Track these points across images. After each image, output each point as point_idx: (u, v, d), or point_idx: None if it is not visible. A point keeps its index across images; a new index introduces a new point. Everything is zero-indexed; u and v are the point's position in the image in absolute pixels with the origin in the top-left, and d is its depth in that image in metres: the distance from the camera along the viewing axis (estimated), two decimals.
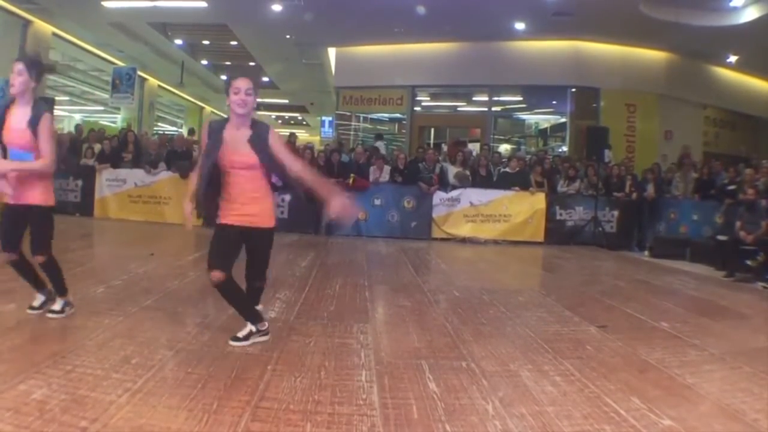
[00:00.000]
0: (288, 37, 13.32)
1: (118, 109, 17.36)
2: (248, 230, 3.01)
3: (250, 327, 3.09)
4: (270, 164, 2.98)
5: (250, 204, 3.00)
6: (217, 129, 3.03)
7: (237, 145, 2.96)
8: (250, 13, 11.57)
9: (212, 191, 3.02)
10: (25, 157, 3.20)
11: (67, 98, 19.15)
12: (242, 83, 2.94)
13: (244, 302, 3.12)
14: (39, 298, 3.40)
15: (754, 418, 2.43)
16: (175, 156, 9.42)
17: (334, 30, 12.59)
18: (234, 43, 14.56)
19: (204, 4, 11.33)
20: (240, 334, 3.07)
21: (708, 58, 12.81)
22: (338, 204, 2.89)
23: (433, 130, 14.86)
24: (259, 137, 2.97)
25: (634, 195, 9.72)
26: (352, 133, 14.65)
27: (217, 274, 2.88)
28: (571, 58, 12.50)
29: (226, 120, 3.06)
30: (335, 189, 3.07)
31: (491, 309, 4.37)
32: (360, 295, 4.67)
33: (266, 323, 3.18)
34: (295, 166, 3.02)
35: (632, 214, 9.74)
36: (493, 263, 7.50)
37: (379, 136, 13.13)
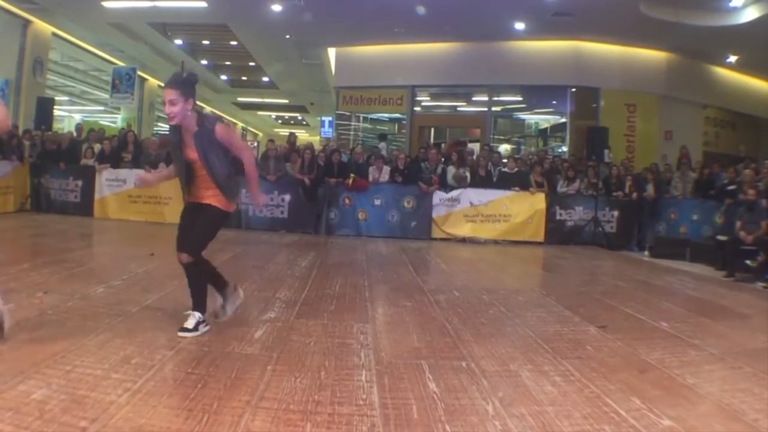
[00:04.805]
0: (288, 37, 13.32)
1: (118, 109, 17.36)
2: (196, 204, 3.29)
3: (198, 316, 3.22)
4: (212, 160, 3.17)
5: (203, 189, 3.27)
6: (175, 131, 3.24)
7: (191, 145, 3.19)
8: (250, 13, 11.57)
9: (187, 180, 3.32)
10: None
11: (67, 98, 19.15)
12: (165, 93, 3.10)
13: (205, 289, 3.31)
14: None
15: (754, 418, 2.43)
16: None
17: (334, 30, 12.59)
18: (234, 43, 14.57)
19: (204, 4, 11.32)
20: (188, 325, 3.18)
21: (708, 58, 12.82)
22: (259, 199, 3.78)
23: (433, 130, 14.86)
24: (204, 139, 3.16)
25: (634, 195, 9.72)
26: (352, 133, 14.65)
27: (182, 257, 3.23)
28: (571, 58, 12.50)
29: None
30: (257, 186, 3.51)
31: (491, 309, 4.37)
32: (360, 295, 4.66)
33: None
34: (242, 156, 3.34)
35: (632, 214, 9.74)
36: (493, 263, 7.50)
37: (382, 137, 13.12)
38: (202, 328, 3.21)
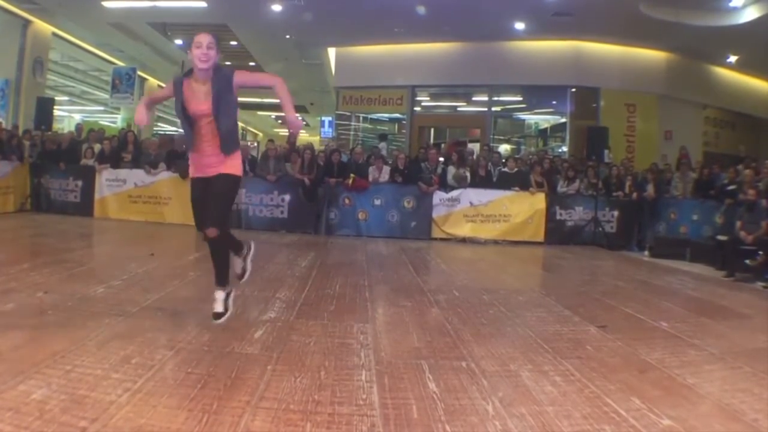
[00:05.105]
0: (288, 37, 13.32)
1: (118, 109, 17.37)
2: (210, 179, 3.21)
3: (222, 295, 3.28)
4: (222, 109, 3.12)
5: (210, 156, 3.18)
6: (178, 84, 3.17)
7: (200, 96, 3.12)
8: (250, 13, 11.57)
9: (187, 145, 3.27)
10: None
11: (67, 98, 19.15)
12: (203, 38, 3.10)
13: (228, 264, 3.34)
14: None
15: (754, 418, 2.43)
16: (176, 156, 9.43)
17: (334, 30, 12.60)
18: (234, 43, 14.57)
19: (204, 4, 11.33)
20: (219, 308, 3.25)
21: (708, 58, 12.82)
22: (294, 123, 3.24)
23: (433, 130, 14.86)
24: (220, 85, 3.12)
25: (634, 195, 9.72)
26: (352, 133, 14.65)
27: (209, 232, 3.16)
28: (571, 58, 12.50)
29: (188, 74, 3.20)
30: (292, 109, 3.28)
31: (491, 309, 4.37)
32: (360, 295, 4.66)
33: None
34: (270, 81, 3.35)
35: (632, 214, 9.73)
36: (493, 263, 7.49)
37: (382, 137, 13.11)
38: (231, 305, 3.30)
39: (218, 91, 3.11)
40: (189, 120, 3.15)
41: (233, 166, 3.23)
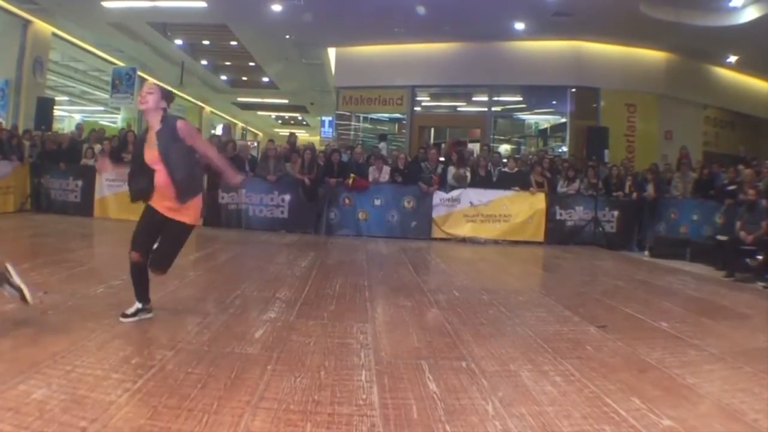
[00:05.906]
0: (288, 37, 13.32)
1: (118, 109, 17.37)
2: (166, 219, 3.35)
3: (137, 305, 3.41)
4: (173, 157, 3.26)
5: (164, 200, 3.33)
6: (141, 137, 3.48)
7: (152, 144, 3.30)
8: (250, 13, 11.57)
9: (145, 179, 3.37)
10: None
11: (67, 98, 19.16)
12: (145, 85, 3.43)
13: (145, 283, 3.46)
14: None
15: (754, 418, 2.43)
16: None
17: (334, 30, 12.60)
18: (234, 43, 14.57)
19: (204, 4, 11.33)
20: (129, 311, 3.38)
21: (708, 58, 12.82)
22: (235, 177, 3.62)
23: (433, 130, 14.86)
24: (166, 133, 3.27)
25: (634, 195, 9.71)
26: (352, 133, 14.65)
27: (134, 255, 3.31)
28: (571, 58, 12.50)
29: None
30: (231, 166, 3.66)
31: (491, 309, 4.37)
32: (360, 295, 4.66)
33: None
34: (205, 150, 3.47)
35: (632, 214, 9.73)
36: (493, 263, 7.50)
37: (382, 137, 13.10)
38: (142, 315, 3.41)
39: (165, 140, 3.25)
40: (145, 168, 3.30)
41: (189, 215, 3.39)
